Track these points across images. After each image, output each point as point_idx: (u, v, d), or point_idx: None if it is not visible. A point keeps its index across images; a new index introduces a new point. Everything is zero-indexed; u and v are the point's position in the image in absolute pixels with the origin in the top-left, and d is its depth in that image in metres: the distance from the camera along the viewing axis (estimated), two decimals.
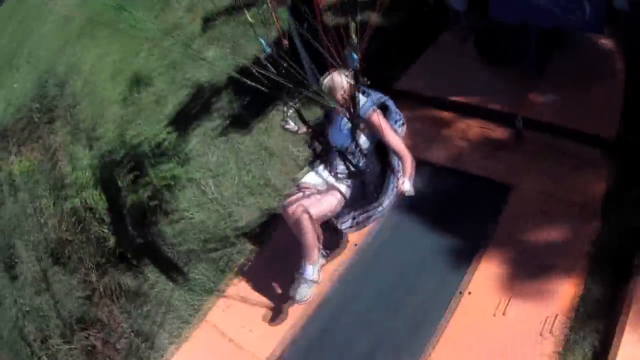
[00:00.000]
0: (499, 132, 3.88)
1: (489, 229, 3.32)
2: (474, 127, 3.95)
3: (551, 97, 3.97)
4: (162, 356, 3.46)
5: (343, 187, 2.96)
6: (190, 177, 4.48)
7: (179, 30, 6.39)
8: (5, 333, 3.99)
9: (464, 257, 3.24)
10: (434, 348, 2.89)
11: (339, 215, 3.02)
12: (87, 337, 3.73)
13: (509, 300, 2.95)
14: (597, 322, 2.76)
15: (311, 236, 2.90)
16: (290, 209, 2.94)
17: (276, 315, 3.28)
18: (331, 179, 3.01)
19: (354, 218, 3.02)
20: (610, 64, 4.11)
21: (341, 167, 2.98)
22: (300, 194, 2.98)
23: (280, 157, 4.35)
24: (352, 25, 1.99)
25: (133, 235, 4.13)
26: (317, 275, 3.00)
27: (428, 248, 3.34)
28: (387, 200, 3.00)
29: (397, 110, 3.02)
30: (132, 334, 3.72)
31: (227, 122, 4.91)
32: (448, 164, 3.75)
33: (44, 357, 3.64)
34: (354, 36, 2.02)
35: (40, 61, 8.15)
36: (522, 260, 3.12)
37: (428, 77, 4.46)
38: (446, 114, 4.15)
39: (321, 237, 2.96)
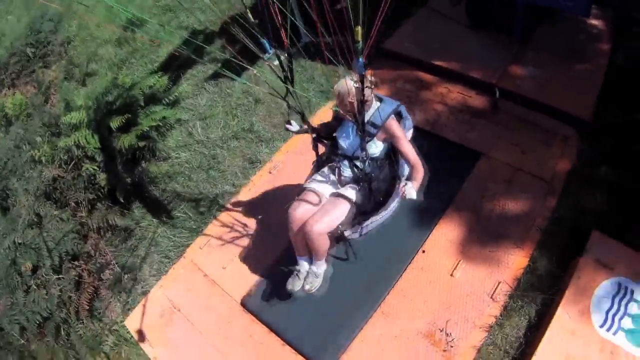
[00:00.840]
0: (477, 100, 3.99)
1: (453, 193, 3.49)
2: (453, 93, 4.07)
3: (533, 72, 4.05)
4: (142, 287, 3.70)
5: (352, 194, 2.87)
6: (179, 118, 4.59)
7: None
8: None
9: (428, 218, 3.43)
10: (384, 299, 3.15)
11: (347, 223, 2.95)
12: (74, 268, 3.91)
13: (459, 263, 3.18)
14: (537, 294, 2.97)
15: (324, 249, 2.97)
16: (298, 218, 2.92)
17: (250, 255, 3.50)
18: (338, 186, 2.97)
19: (361, 227, 2.94)
20: (595, 44, 4.19)
21: (348, 172, 2.93)
22: (310, 206, 2.94)
23: (266, 105, 4.45)
24: (357, 30, 1.92)
25: (122, 174, 4.24)
26: (324, 267, 3.14)
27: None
28: (393, 204, 2.96)
29: (408, 115, 2.94)
30: (117, 266, 3.94)
31: (218, 66, 4.92)
32: (424, 126, 3.87)
33: (34, 286, 3.80)
34: (359, 40, 1.96)
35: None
36: (478, 226, 3.33)
37: (416, 39, 4.50)
38: (429, 77, 4.25)
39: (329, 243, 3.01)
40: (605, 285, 2.81)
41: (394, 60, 4.31)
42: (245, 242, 3.61)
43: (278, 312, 3.24)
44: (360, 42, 1.98)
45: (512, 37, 4.23)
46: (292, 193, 3.64)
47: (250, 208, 3.80)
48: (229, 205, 3.87)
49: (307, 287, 3.07)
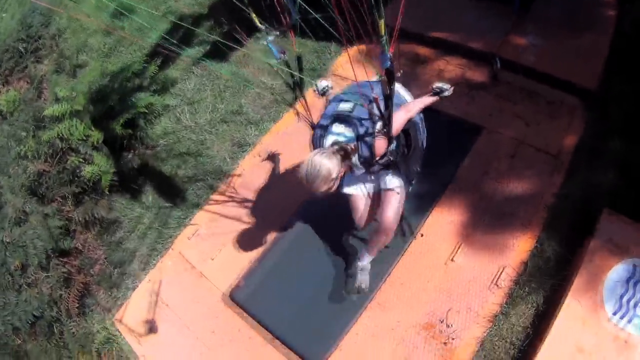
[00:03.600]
0: (476, 72, 3.74)
1: (453, 171, 3.26)
2: (451, 65, 3.82)
3: (534, 40, 3.77)
4: (132, 282, 3.58)
5: (396, 183, 2.59)
6: (167, 104, 4.44)
7: None
8: None
9: (426, 199, 3.20)
10: (380, 288, 2.94)
11: None
12: (63, 265, 3.80)
13: (459, 247, 2.95)
14: (545, 279, 2.73)
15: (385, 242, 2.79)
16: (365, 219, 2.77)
17: (239, 245, 3.35)
18: (375, 181, 2.69)
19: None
20: (600, 11, 3.86)
21: (375, 167, 2.55)
22: (363, 206, 2.74)
23: (255, 87, 4.27)
24: (381, 24, 1.79)
25: (107, 165, 4.06)
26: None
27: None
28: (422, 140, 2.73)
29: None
30: (106, 261, 3.82)
31: (207, 49, 4.80)
32: None
33: (24, 285, 3.71)
34: (383, 34, 1.82)
35: None
36: (481, 205, 3.09)
37: (413, 11, 4.19)
38: (425, 50, 4.00)
39: None
40: (618, 268, 2.54)
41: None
42: (234, 231, 3.45)
43: (267, 305, 3.08)
44: (385, 37, 1.83)
45: (511, 7, 3.94)
46: (282, 176, 3.55)
47: (239, 195, 3.63)
48: (217, 193, 3.72)
49: (363, 285, 2.91)
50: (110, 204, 4.06)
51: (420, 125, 2.67)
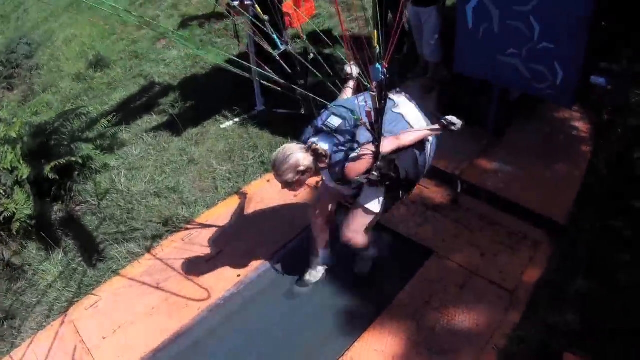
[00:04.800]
0: (435, 192, 3.53)
1: (393, 294, 2.92)
2: None
3: (503, 167, 3.62)
4: (17, 339, 3.10)
5: (371, 203, 2.52)
6: (106, 162, 4.19)
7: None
8: None
9: (356, 323, 2.82)
10: None
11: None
12: None
13: None
14: None
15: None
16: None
17: (136, 328, 2.96)
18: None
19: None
20: (575, 145, 3.76)
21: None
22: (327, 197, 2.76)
23: (200, 168, 4.06)
24: (375, 35, 1.82)
25: (26, 206, 3.72)
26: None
27: (323, 305, 2.97)
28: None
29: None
30: None
31: (164, 120, 4.68)
32: None
33: None
34: (376, 46, 1.85)
35: (26, 24, 8.35)
36: (418, 337, 2.69)
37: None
38: None
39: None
40: None
41: None
42: (139, 309, 3.04)
43: None
44: (378, 47, 1.87)
45: (484, 130, 3.84)
46: (203, 261, 3.25)
47: (151, 271, 3.26)
48: (129, 268, 3.33)
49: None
50: (20, 249, 3.65)
51: (416, 157, 2.47)
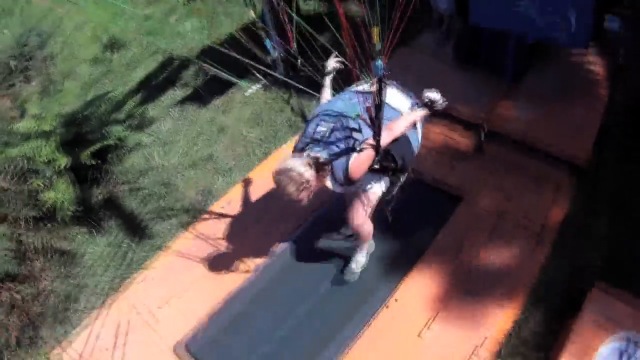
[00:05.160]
0: (459, 141, 3.64)
1: (429, 239, 3.08)
2: (433, 133, 3.68)
3: (523, 111, 3.69)
4: (77, 320, 3.28)
5: (377, 188, 2.60)
6: (138, 141, 4.30)
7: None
8: None
9: (399, 268, 3.00)
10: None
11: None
12: (8, 291, 3.47)
13: (430, 322, 2.71)
14: (529, 354, 2.53)
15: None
16: None
17: (192, 295, 3.12)
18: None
19: None
20: (592, 85, 3.84)
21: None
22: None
23: (231, 136, 4.18)
24: (375, 30, 1.80)
25: (69, 194, 3.82)
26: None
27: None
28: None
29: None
30: (53, 293, 3.51)
31: (188, 93, 4.75)
32: None
33: None
34: (377, 41, 1.84)
35: (32, 16, 8.02)
36: (455, 280, 2.88)
37: (397, 77, 4.17)
38: None
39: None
40: (610, 343, 2.36)
41: None
42: (188, 280, 3.20)
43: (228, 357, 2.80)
44: (378, 44, 1.88)
45: (502, 78, 3.90)
46: (243, 229, 3.37)
47: (196, 244, 3.39)
48: (175, 239, 3.48)
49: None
50: (68, 235, 3.80)
51: (408, 138, 2.54)
